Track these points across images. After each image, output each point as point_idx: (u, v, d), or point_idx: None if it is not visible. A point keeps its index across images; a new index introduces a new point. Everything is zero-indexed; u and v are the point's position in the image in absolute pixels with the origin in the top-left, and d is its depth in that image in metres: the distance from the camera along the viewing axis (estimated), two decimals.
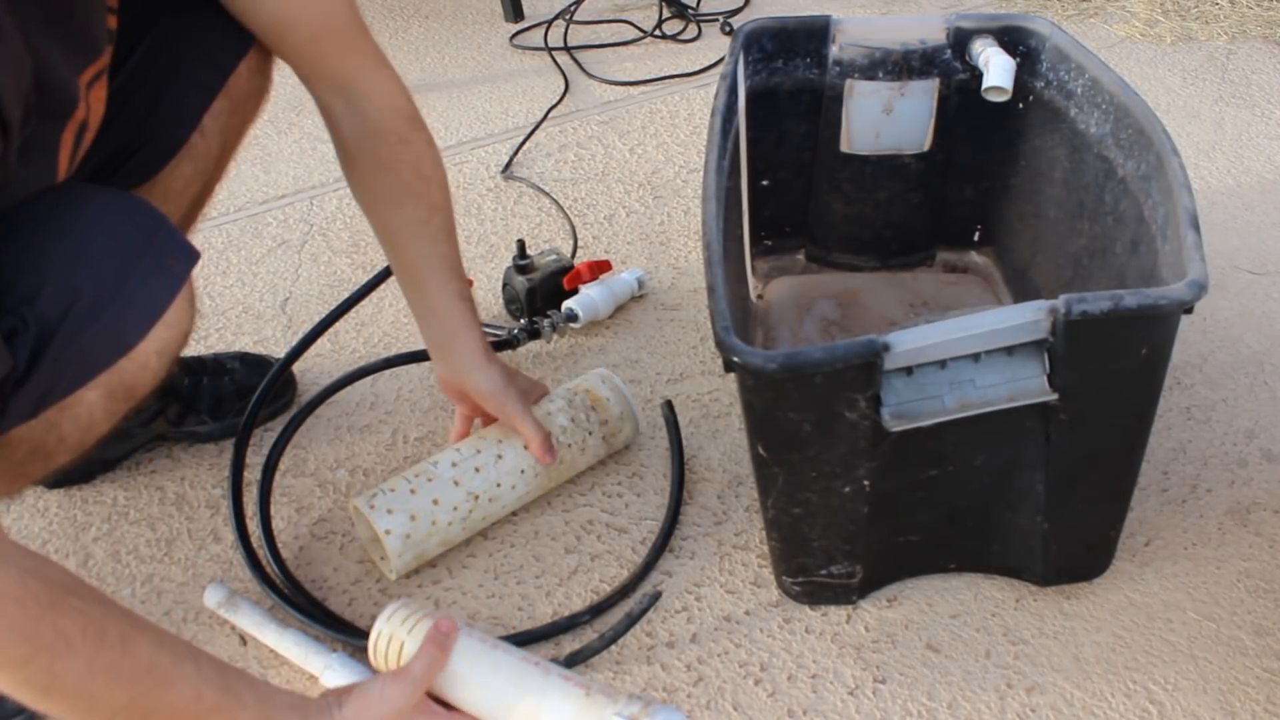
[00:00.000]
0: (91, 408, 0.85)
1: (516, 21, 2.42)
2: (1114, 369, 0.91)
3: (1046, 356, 0.91)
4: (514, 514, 1.22)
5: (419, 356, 1.32)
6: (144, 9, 1.01)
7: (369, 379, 1.37)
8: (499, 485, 1.12)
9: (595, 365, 1.41)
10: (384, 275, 1.28)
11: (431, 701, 0.89)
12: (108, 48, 0.87)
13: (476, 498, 1.11)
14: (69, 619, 0.69)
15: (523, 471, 1.14)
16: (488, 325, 1.44)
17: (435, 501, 1.09)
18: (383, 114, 1.05)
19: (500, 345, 1.37)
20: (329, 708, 0.83)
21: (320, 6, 1.00)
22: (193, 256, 0.90)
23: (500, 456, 1.13)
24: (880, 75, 1.30)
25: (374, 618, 1.10)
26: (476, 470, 1.12)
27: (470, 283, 1.15)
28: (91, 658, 0.70)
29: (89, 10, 0.83)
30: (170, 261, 0.87)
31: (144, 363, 0.87)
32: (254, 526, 1.18)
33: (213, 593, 1.09)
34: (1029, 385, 0.91)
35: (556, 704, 0.88)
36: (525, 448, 1.13)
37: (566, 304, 1.44)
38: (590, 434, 1.18)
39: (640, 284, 1.52)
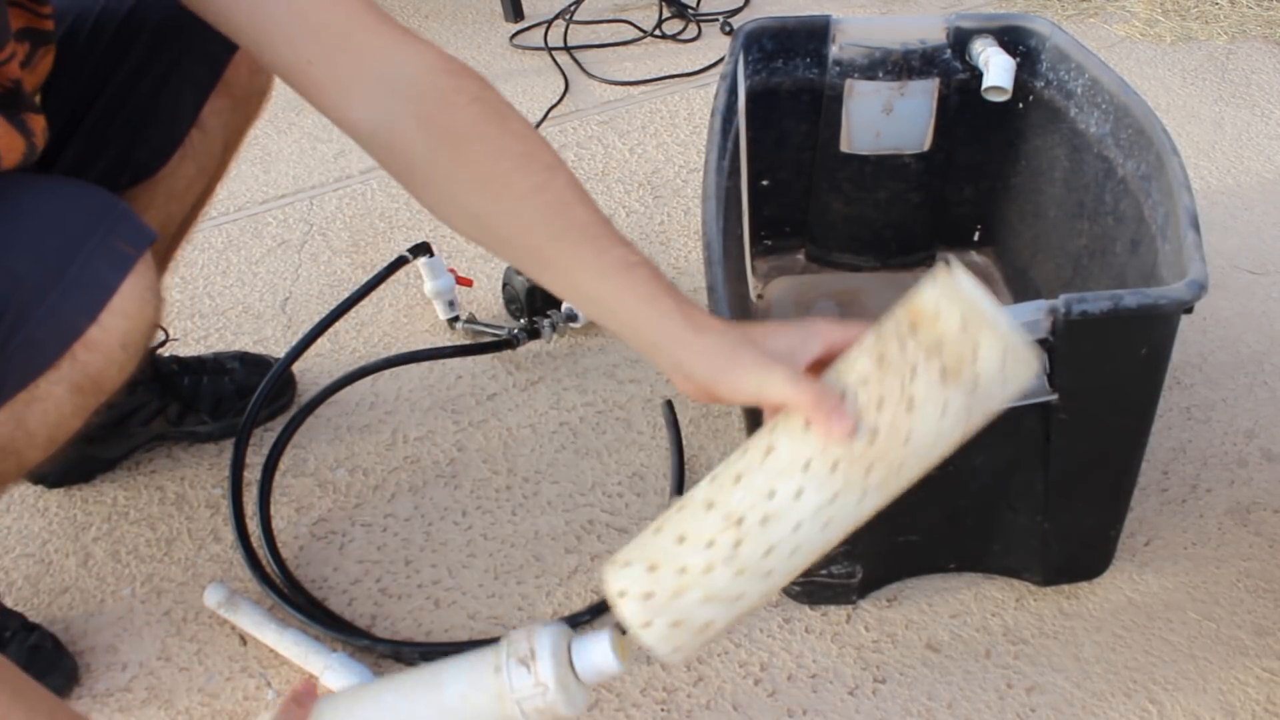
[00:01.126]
0: (59, 403, 0.83)
1: (516, 21, 2.42)
2: (1114, 369, 0.91)
3: (1047, 356, 0.90)
4: (513, 513, 1.22)
5: (419, 356, 1.32)
6: (133, 14, 1.01)
7: (369, 379, 1.37)
8: (773, 495, 0.67)
9: (595, 365, 1.41)
10: (384, 275, 1.28)
11: None
12: (10, 46, 0.82)
13: (740, 521, 0.68)
14: None
15: (808, 466, 0.67)
16: (488, 325, 1.44)
17: (681, 539, 0.70)
18: (436, 79, 0.79)
19: (500, 345, 1.37)
20: None
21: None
22: (146, 238, 0.85)
23: (771, 449, 0.69)
24: (880, 75, 1.30)
25: (372, 618, 1.11)
26: (737, 479, 0.69)
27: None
28: None
29: None
30: (119, 244, 0.83)
31: (108, 354, 0.83)
32: (254, 526, 1.18)
33: (213, 593, 1.09)
34: (1029, 385, 0.91)
35: (450, 689, 0.72)
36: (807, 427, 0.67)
37: (566, 304, 1.44)
38: (914, 372, 0.65)
39: None
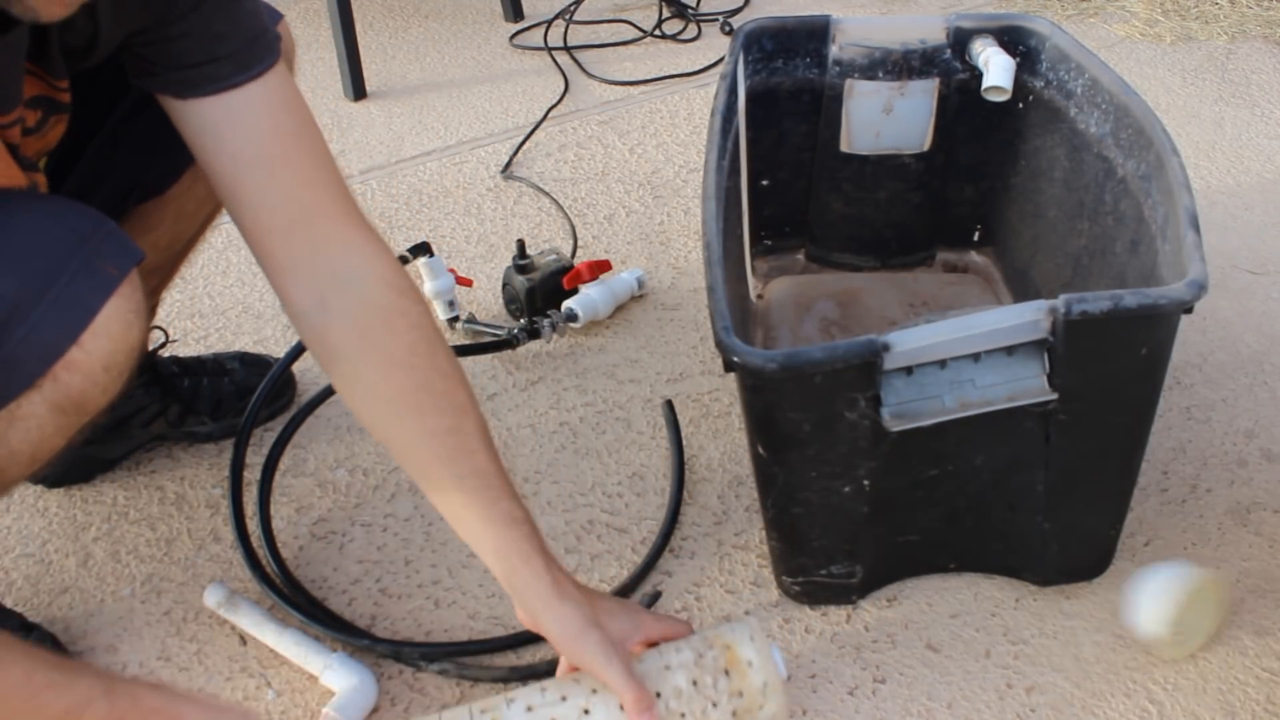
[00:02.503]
0: (41, 422, 0.82)
1: (516, 21, 2.42)
2: (1114, 369, 0.91)
3: (1046, 356, 0.91)
4: None
5: None
6: None
7: None
8: None
9: (595, 365, 1.41)
10: None
11: None
12: (18, 110, 0.82)
13: None
14: None
15: None
16: (488, 325, 1.44)
17: None
18: (385, 294, 0.87)
19: (500, 345, 1.37)
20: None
21: (310, 168, 0.87)
22: (132, 258, 0.83)
23: (587, 712, 0.87)
24: (880, 75, 1.30)
25: (372, 618, 1.11)
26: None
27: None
28: None
29: None
30: (103, 264, 0.82)
31: (89, 376, 0.82)
32: (254, 526, 1.18)
33: (212, 593, 1.09)
34: (1029, 385, 0.91)
35: None
36: (621, 708, 0.86)
37: (566, 304, 1.44)
38: (715, 706, 0.89)
39: (640, 284, 1.52)
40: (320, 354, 0.89)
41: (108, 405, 0.86)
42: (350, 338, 0.87)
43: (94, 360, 0.82)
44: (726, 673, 0.90)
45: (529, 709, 0.88)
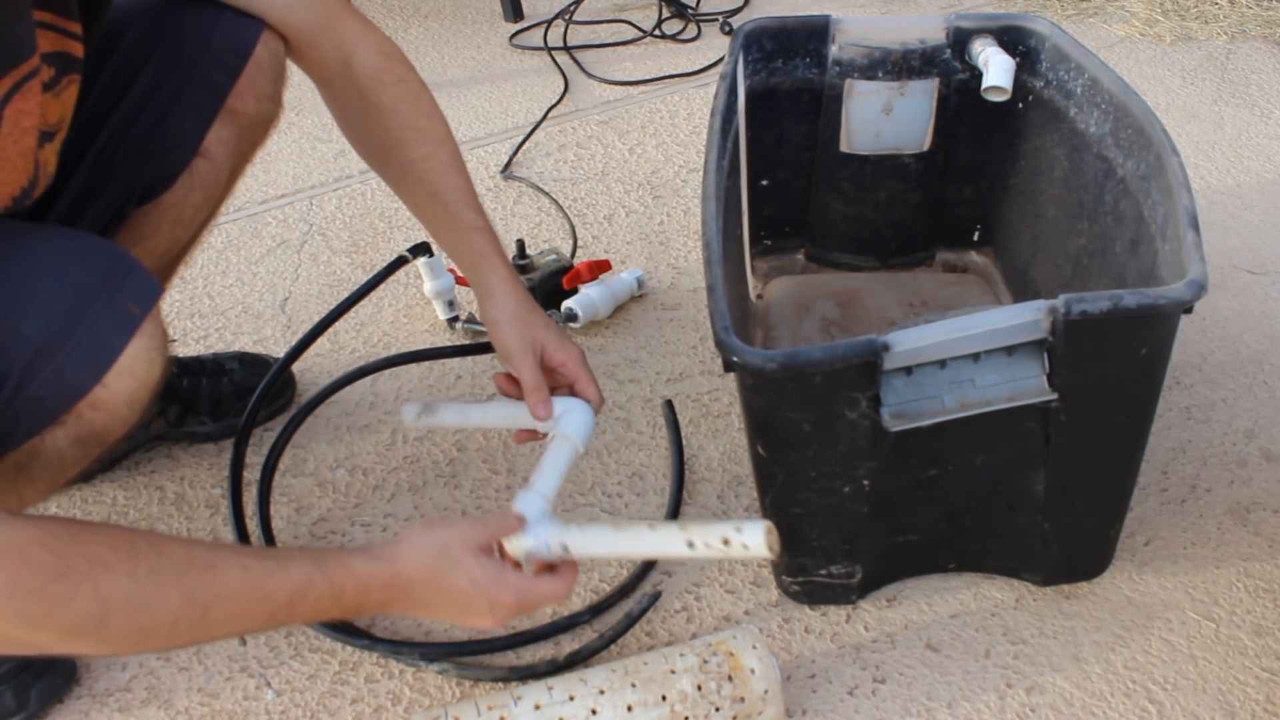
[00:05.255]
0: (61, 453, 0.85)
1: (516, 21, 2.42)
2: (1114, 369, 0.91)
3: (1046, 356, 0.91)
4: None
5: (419, 356, 1.32)
6: (142, 41, 1.02)
7: (369, 379, 1.37)
8: None
9: (595, 365, 1.41)
10: (384, 275, 1.28)
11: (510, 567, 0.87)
12: (33, 59, 0.82)
13: None
14: (95, 545, 0.70)
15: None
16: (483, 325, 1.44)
17: None
18: (378, 59, 1.06)
19: None
20: (388, 544, 0.84)
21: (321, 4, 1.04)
22: (153, 294, 0.87)
23: (595, 712, 0.91)
24: (880, 75, 1.30)
25: (372, 618, 1.11)
26: None
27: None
28: (131, 569, 0.71)
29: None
30: (126, 304, 0.84)
31: (113, 412, 0.85)
32: (254, 526, 1.18)
33: (409, 413, 1.05)
34: (1029, 385, 0.91)
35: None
36: (629, 709, 0.92)
37: (566, 304, 1.44)
38: (717, 710, 0.93)
39: (640, 284, 1.52)
40: (330, 101, 1.08)
41: (126, 434, 0.89)
42: (352, 95, 1.05)
43: (118, 398, 0.84)
44: (730, 679, 0.94)
45: (536, 707, 0.91)
